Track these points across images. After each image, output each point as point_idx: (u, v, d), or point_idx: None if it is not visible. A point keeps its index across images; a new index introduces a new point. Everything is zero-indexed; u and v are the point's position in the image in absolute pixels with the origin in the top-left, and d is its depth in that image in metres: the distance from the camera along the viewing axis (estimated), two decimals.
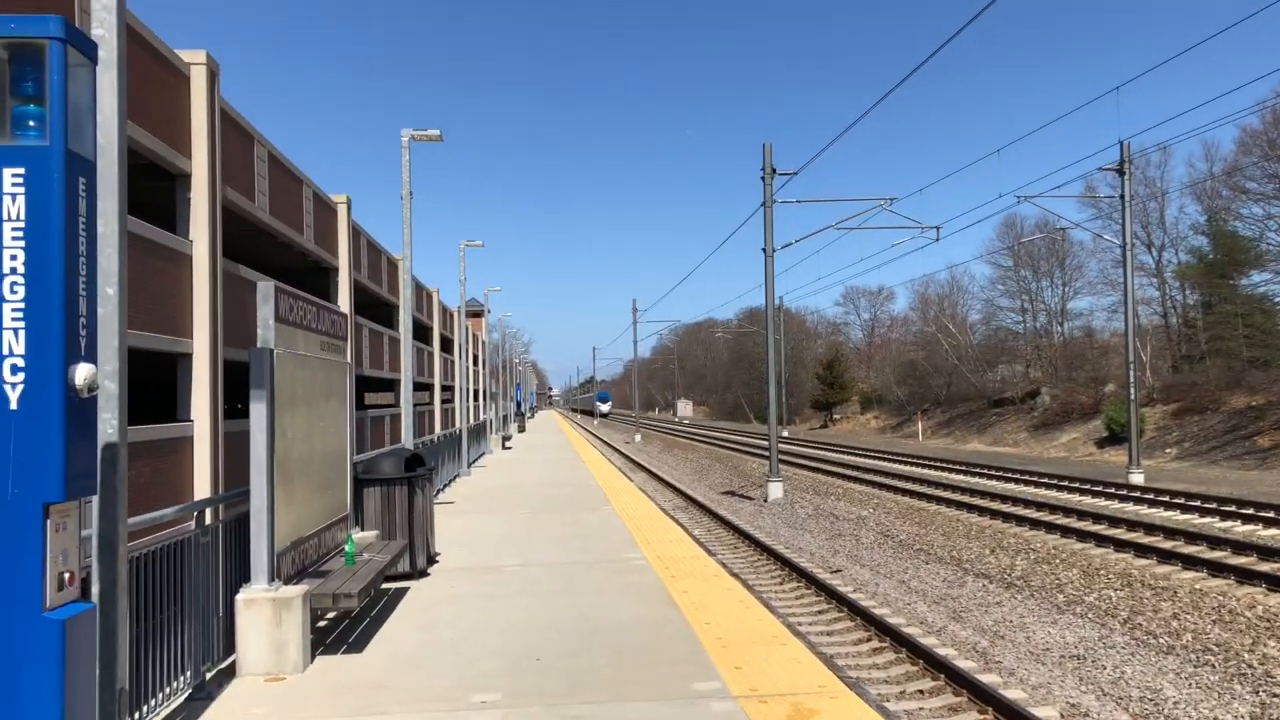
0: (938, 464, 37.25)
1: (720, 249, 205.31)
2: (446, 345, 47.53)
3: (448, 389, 46.85)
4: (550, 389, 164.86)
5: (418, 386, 37.18)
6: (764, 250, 28.06)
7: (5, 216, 3.51)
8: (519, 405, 72.59)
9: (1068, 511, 21.39)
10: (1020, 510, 22.18)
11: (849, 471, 34.49)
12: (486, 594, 9.81)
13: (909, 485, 29.08)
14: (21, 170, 3.53)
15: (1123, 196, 30.00)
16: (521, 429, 63.53)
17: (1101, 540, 17.58)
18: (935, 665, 9.97)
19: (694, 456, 49.13)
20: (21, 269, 3.50)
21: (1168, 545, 16.91)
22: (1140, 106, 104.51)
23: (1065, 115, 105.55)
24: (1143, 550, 16.42)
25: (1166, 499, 22.98)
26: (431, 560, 11.54)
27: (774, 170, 27.73)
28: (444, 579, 10.73)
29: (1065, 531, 18.82)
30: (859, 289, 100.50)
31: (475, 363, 58.79)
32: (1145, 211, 53.28)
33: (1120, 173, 29.77)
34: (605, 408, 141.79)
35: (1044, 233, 55.51)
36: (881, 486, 29.29)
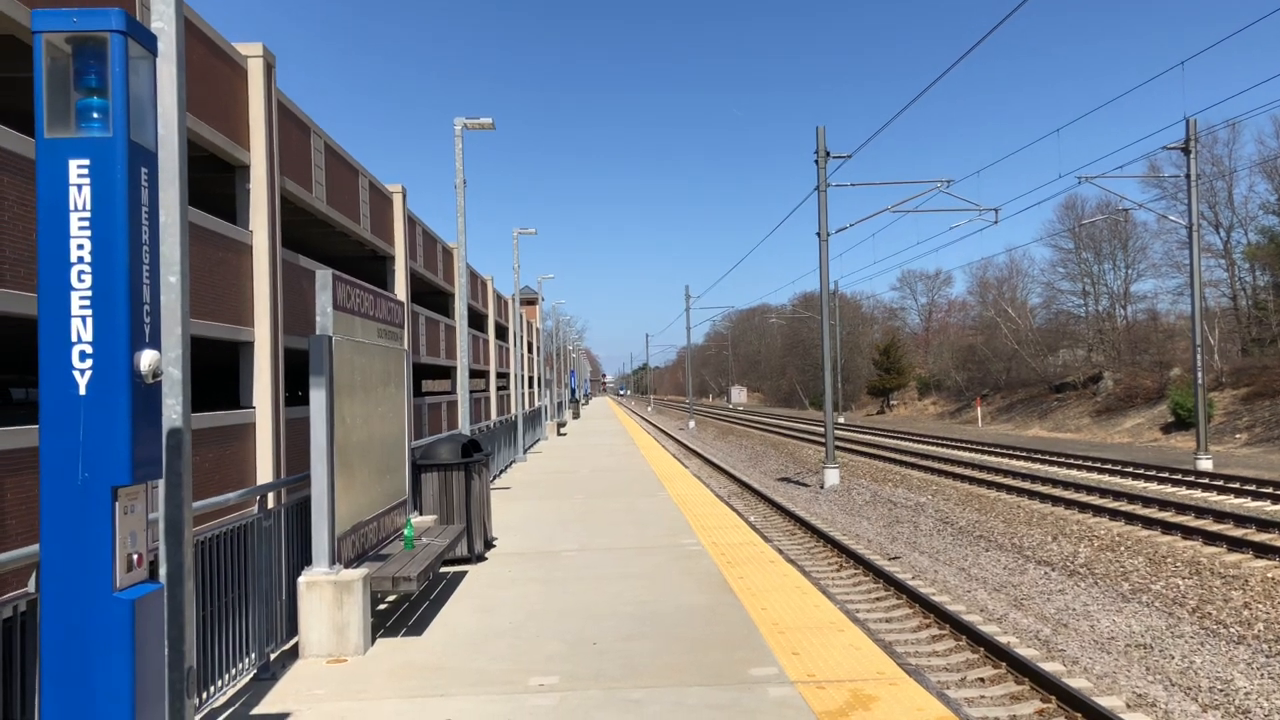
0: (997, 450, 36.70)
1: (774, 234, 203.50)
2: (501, 333, 47.94)
3: (503, 376, 47.25)
4: (604, 375, 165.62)
5: (474, 374, 37.54)
6: (818, 235, 27.88)
7: (71, 207, 3.58)
8: (573, 392, 72.79)
9: (1132, 498, 20.93)
10: (1083, 497, 21.77)
11: (906, 458, 34.12)
12: (543, 578, 9.87)
13: (967, 471, 28.69)
14: (86, 161, 3.59)
15: (1188, 176, 29.21)
16: (576, 415, 63.78)
17: (1168, 527, 17.18)
18: (996, 653, 9.84)
19: (748, 443, 48.96)
20: (88, 258, 3.57)
21: (1238, 533, 16.48)
22: (1207, 82, 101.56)
23: (1128, 92, 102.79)
24: (1211, 538, 16.02)
25: (1237, 485, 22.40)
26: (489, 545, 11.64)
27: (828, 153, 27.52)
28: (501, 563, 10.82)
29: (1130, 518, 18.42)
30: (916, 273, 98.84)
31: (530, 350, 59.18)
32: (1213, 191, 51.57)
33: (1186, 151, 28.89)
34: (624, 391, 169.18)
35: (1106, 214, 54.31)
36: (939, 473, 28.94)
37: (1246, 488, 21.86)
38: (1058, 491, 22.84)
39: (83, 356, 3.57)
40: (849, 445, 41.09)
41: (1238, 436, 38.68)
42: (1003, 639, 10.57)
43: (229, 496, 6.60)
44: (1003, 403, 64.37)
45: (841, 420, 68.64)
